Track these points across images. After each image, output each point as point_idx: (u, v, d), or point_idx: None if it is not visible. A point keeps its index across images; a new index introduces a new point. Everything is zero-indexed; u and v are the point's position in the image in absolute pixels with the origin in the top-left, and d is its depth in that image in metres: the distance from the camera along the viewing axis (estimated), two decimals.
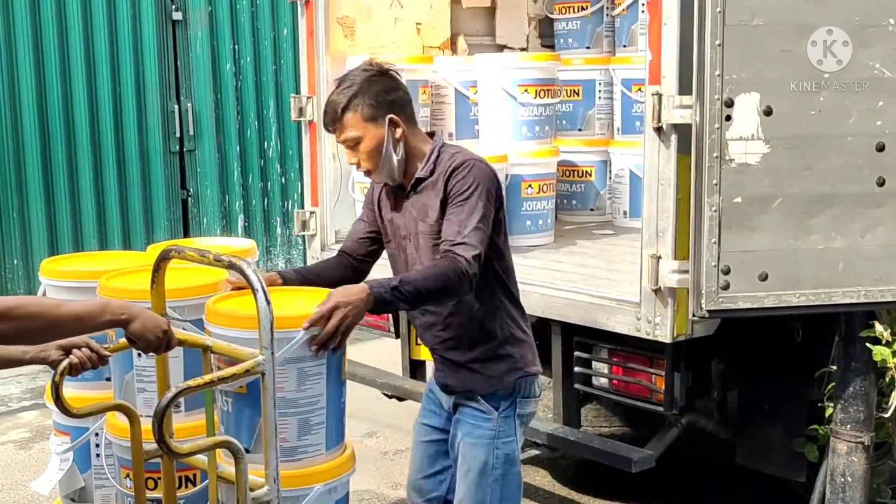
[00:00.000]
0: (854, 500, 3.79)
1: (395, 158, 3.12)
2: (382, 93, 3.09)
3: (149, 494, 3.20)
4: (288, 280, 3.26)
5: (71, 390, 3.50)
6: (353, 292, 2.86)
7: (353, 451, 3.15)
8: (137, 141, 8.36)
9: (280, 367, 2.76)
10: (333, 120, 3.10)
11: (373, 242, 3.37)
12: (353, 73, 3.15)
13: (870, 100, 3.44)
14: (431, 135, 3.26)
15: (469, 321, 3.16)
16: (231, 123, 8.94)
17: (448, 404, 3.31)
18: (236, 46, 8.93)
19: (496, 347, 3.18)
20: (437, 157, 3.14)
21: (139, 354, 3.21)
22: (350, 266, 3.37)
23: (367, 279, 3.14)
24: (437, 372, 3.32)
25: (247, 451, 2.79)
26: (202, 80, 8.72)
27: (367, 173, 3.18)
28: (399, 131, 3.11)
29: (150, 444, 2.95)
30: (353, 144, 3.10)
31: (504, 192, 4.83)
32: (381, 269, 3.37)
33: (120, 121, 8.27)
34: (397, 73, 3.19)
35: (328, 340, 2.83)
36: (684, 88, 3.46)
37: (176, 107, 8.57)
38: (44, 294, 3.65)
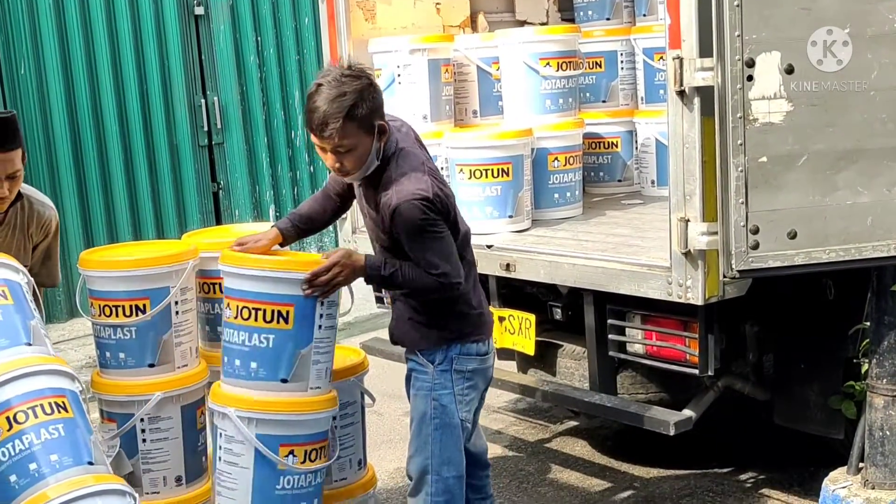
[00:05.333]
0: (893, 454, 3.81)
1: (375, 162, 3.26)
2: (371, 100, 3.17)
3: None
4: (287, 236, 3.51)
5: (114, 377, 3.61)
6: (353, 259, 3.23)
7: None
8: (166, 136, 8.44)
9: None
10: (330, 128, 3.12)
11: (352, 187, 3.54)
12: (342, 80, 3.15)
13: (891, 54, 3.45)
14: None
15: None
16: (258, 115, 9.01)
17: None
18: (259, 38, 8.99)
19: (436, 316, 3.41)
20: (385, 170, 3.27)
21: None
22: (336, 203, 3.62)
23: (367, 255, 3.33)
24: (391, 322, 3.57)
25: (284, 381, 3.24)
26: (227, 73, 8.79)
27: (343, 175, 3.29)
28: (384, 137, 3.24)
29: None
30: (346, 151, 3.18)
31: (530, 166, 4.94)
32: None
33: (148, 117, 8.35)
34: (372, 74, 3.36)
35: (320, 288, 3.21)
36: (705, 51, 3.48)
37: (202, 101, 8.64)
38: (83, 285, 3.73)
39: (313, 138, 3.22)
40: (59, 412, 2.91)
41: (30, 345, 3.06)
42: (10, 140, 3.50)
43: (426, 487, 3.46)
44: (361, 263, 3.23)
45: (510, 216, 4.82)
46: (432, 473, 3.44)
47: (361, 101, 3.14)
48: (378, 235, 3.40)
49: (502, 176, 4.80)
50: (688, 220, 3.66)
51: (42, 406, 2.90)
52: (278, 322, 3.22)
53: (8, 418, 2.85)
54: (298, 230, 3.55)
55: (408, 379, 3.55)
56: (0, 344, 3.00)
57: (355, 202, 3.60)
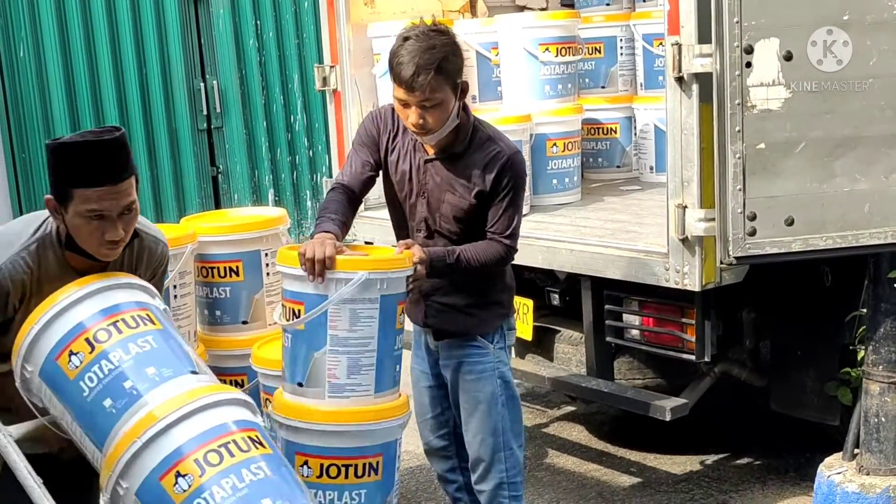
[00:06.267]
0: (888, 440, 3.82)
1: (454, 123, 3.19)
2: (458, 56, 3.16)
3: None
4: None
5: None
6: (423, 253, 3.14)
7: (406, 400, 3.17)
8: (165, 120, 8.44)
9: (335, 306, 2.93)
10: (420, 80, 3.05)
11: (372, 181, 3.41)
12: (430, 34, 3.11)
13: (891, 41, 3.45)
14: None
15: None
16: (257, 99, 9.00)
17: (434, 345, 3.48)
18: (258, 22, 8.97)
19: (490, 294, 3.40)
20: (472, 134, 3.26)
21: None
22: (356, 203, 3.37)
23: (428, 250, 3.19)
24: (431, 318, 3.42)
25: (300, 384, 3.02)
26: (226, 57, 8.78)
27: (424, 132, 3.16)
28: (464, 96, 3.21)
29: None
30: (432, 106, 3.10)
31: (529, 152, 4.93)
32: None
33: (147, 101, 8.35)
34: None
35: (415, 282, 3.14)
36: (703, 37, 3.48)
37: (202, 85, 8.63)
38: None
39: (399, 92, 3.12)
40: (257, 448, 2.50)
41: (195, 373, 2.65)
42: (119, 167, 2.61)
43: (499, 465, 3.42)
44: (428, 257, 3.16)
45: None
46: (504, 450, 3.41)
47: (452, 55, 3.12)
48: (456, 211, 3.26)
49: None
50: (685, 207, 3.66)
51: (235, 442, 2.49)
52: None
53: (197, 461, 2.43)
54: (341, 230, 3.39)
55: (455, 369, 3.43)
56: (164, 374, 2.56)
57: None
